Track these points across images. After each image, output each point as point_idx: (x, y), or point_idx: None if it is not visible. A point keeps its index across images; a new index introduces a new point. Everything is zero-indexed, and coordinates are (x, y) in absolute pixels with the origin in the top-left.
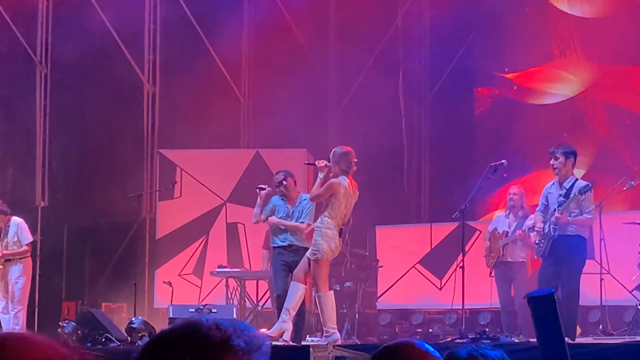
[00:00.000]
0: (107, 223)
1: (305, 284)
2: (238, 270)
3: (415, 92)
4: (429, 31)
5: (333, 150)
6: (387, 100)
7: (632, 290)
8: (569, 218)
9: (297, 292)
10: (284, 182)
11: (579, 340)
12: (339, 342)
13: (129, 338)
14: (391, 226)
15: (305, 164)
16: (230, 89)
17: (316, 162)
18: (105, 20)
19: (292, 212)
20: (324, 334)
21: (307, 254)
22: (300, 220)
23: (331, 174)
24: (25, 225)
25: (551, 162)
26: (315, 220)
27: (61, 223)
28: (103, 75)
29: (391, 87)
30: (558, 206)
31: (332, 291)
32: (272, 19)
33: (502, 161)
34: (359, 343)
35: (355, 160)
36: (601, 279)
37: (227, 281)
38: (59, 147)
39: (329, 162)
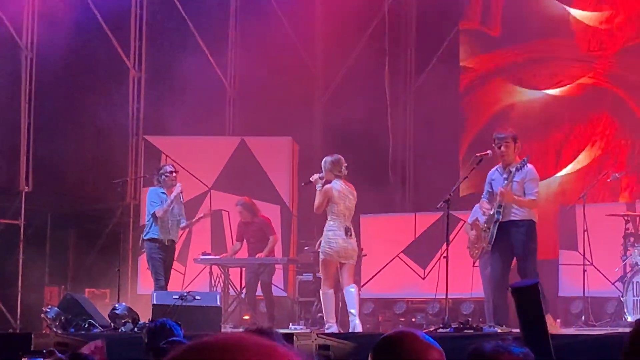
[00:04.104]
0: (91, 209)
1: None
2: (222, 257)
3: (401, 82)
4: (415, 20)
5: (324, 159)
6: (373, 89)
7: (615, 282)
8: (515, 197)
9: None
10: None
11: (560, 331)
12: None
13: (112, 324)
14: (375, 215)
15: (302, 184)
16: (216, 76)
17: (311, 179)
18: (91, 5)
19: None
20: (325, 327)
21: None
22: None
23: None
24: None
25: (498, 148)
26: None
27: (45, 208)
28: (88, 60)
29: (377, 76)
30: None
31: (332, 290)
32: (258, 6)
33: (488, 152)
34: (342, 331)
35: (346, 164)
36: (584, 270)
37: (210, 268)
38: (44, 132)
39: (322, 172)
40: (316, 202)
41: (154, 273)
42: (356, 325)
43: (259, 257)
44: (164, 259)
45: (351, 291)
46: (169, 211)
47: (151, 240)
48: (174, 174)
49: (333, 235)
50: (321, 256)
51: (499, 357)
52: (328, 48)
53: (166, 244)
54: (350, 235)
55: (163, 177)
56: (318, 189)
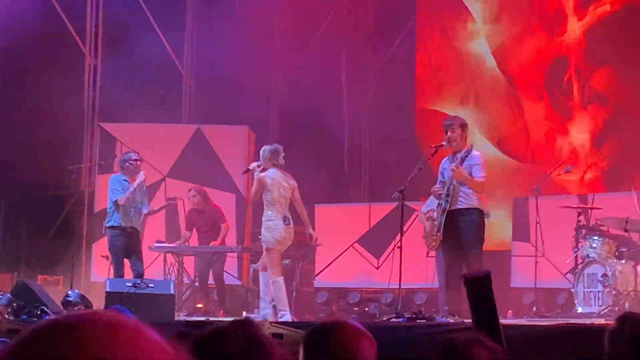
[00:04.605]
0: (45, 195)
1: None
2: (176, 245)
3: (358, 71)
4: (372, 10)
5: (263, 148)
6: (330, 78)
7: (566, 274)
8: (466, 175)
9: (264, 280)
10: None
11: (512, 321)
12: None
13: (65, 311)
14: (330, 205)
15: (242, 173)
16: (173, 64)
17: (249, 167)
18: None
19: None
20: (278, 316)
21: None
22: None
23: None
24: None
25: (447, 135)
26: None
27: None
28: (45, 46)
29: (334, 66)
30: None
31: (282, 277)
32: None
33: (443, 142)
34: (295, 320)
35: (283, 154)
36: (536, 262)
37: (165, 256)
38: None
39: (260, 161)
40: (252, 190)
41: (114, 262)
42: (267, 314)
43: (213, 245)
44: (126, 246)
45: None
46: (131, 198)
47: (112, 227)
48: (139, 162)
49: (274, 225)
50: (265, 246)
51: (471, 350)
52: (286, 37)
53: (128, 231)
54: (289, 223)
55: (127, 164)
56: (256, 177)
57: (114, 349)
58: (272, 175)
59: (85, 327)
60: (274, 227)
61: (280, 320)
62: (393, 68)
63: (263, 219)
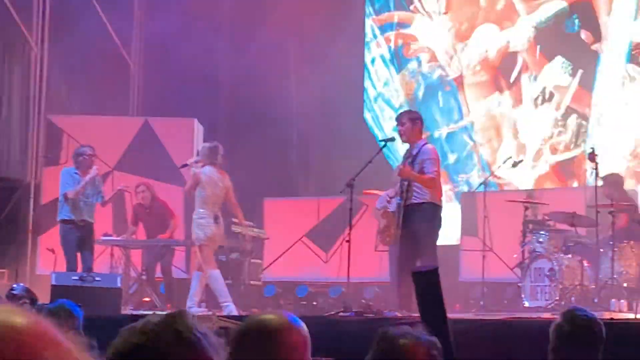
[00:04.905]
0: None
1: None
2: (123, 239)
3: (308, 62)
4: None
5: (202, 145)
6: (278, 71)
7: (513, 268)
8: (414, 172)
9: (196, 279)
10: None
11: (459, 315)
12: (234, 313)
13: (9, 305)
14: (279, 199)
15: (179, 167)
16: (121, 56)
17: (187, 162)
18: None
19: None
20: (222, 308)
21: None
22: None
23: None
24: None
25: (397, 128)
26: None
27: None
28: None
29: (282, 57)
30: None
31: (217, 270)
32: None
33: (392, 136)
34: (243, 314)
35: (222, 153)
36: (483, 256)
37: (112, 250)
38: None
39: (198, 157)
40: (187, 185)
41: (66, 255)
42: (191, 307)
43: (161, 238)
44: (78, 239)
45: (199, 277)
46: (82, 192)
47: (63, 221)
48: (93, 157)
49: (205, 223)
50: (197, 243)
51: (406, 344)
52: (234, 28)
53: (79, 224)
54: (219, 222)
55: (80, 158)
56: (192, 172)
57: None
58: (209, 173)
59: None
60: (205, 225)
61: (225, 312)
62: (343, 57)
63: (194, 216)
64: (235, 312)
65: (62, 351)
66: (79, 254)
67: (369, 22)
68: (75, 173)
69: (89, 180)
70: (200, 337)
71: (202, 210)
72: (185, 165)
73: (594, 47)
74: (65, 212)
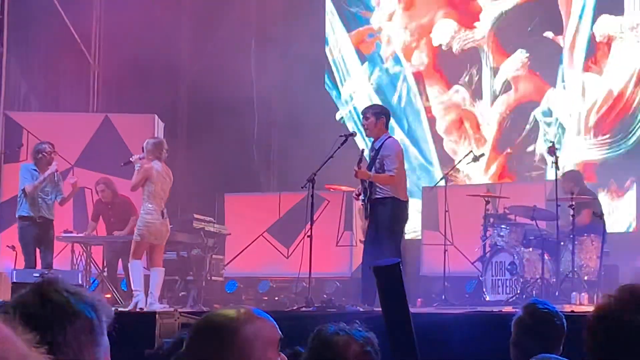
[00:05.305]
0: None
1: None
2: (84, 235)
3: (268, 55)
4: None
5: (146, 141)
6: (239, 66)
7: (474, 262)
8: (370, 173)
9: (154, 276)
10: None
11: (421, 310)
12: (142, 305)
13: None
14: (240, 194)
15: (121, 165)
16: (81, 52)
17: (130, 159)
18: None
19: None
20: (133, 297)
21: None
22: None
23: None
24: None
25: (362, 123)
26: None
27: None
28: None
29: (243, 52)
30: (369, 166)
31: (140, 261)
32: None
33: (353, 131)
34: (205, 310)
35: (167, 147)
36: (445, 250)
37: (72, 246)
38: None
39: (142, 154)
40: (134, 180)
41: (24, 252)
42: (152, 304)
43: (120, 234)
44: (36, 236)
45: (157, 273)
46: (39, 188)
47: (21, 217)
48: (53, 155)
49: (152, 219)
50: (137, 237)
51: (339, 340)
52: (194, 24)
53: (38, 220)
54: (165, 217)
55: (40, 155)
56: (137, 168)
57: None
58: (159, 168)
59: None
60: (151, 221)
61: (133, 301)
62: (304, 50)
63: (142, 211)
64: (143, 305)
65: (16, 349)
66: (38, 251)
67: (328, 18)
68: (34, 170)
69: (47, 176)
70: (67, 296)
71: (150, 206)
72: (129, 162)
73: (556, 40)
74: (24, 209)
